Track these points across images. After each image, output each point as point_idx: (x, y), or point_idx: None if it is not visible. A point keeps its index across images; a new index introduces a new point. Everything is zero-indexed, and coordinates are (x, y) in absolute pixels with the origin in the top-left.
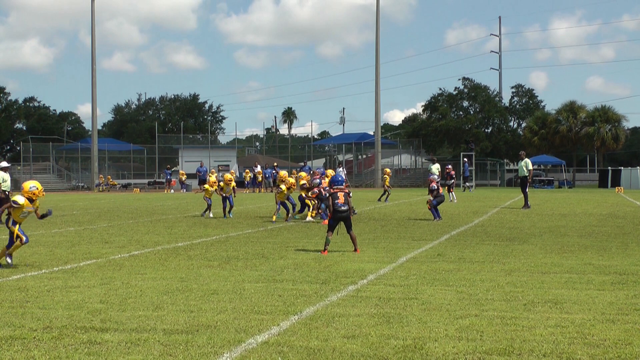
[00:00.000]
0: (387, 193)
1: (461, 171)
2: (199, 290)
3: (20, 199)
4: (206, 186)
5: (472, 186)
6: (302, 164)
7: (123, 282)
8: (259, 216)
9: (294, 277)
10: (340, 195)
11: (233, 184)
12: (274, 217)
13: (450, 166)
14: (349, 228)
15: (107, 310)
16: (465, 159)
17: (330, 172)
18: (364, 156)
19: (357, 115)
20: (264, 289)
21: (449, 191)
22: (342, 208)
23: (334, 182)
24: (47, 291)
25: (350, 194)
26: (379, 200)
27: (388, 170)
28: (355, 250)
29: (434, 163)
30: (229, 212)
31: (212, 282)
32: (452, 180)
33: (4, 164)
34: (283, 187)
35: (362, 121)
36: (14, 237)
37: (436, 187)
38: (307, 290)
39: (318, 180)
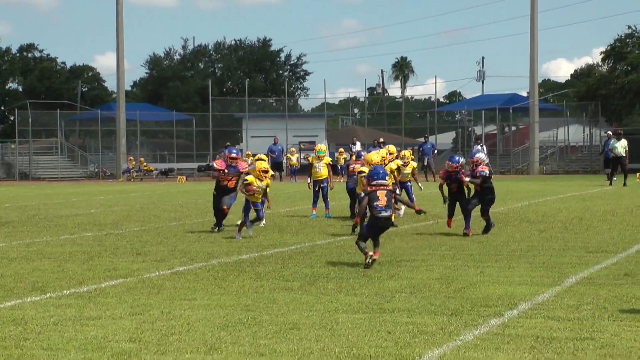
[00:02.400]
0: None
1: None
2: (272, 323)
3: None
4: (249, 178)
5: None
6: (423, 139)
7: (163, 311)
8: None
9: (409, 305)
10: (381, 194)
11: (268, 180)
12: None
13: None
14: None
15: (140, 352)
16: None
17: (371, 156)
18: (514, 128)
19: (503, 69)
20: (366, 323)
21: None
22: (383, 214)
23: (373, 175)
24: (54, 324)
25: (398, 192)
26: None
27: None
28: (373, 254)
29: (619, 139)
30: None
31: (290, 312)
32: None
33: None
34: (249, 178)
35: (510, 77)
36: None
37: (487, 174)
38: (430, 325)
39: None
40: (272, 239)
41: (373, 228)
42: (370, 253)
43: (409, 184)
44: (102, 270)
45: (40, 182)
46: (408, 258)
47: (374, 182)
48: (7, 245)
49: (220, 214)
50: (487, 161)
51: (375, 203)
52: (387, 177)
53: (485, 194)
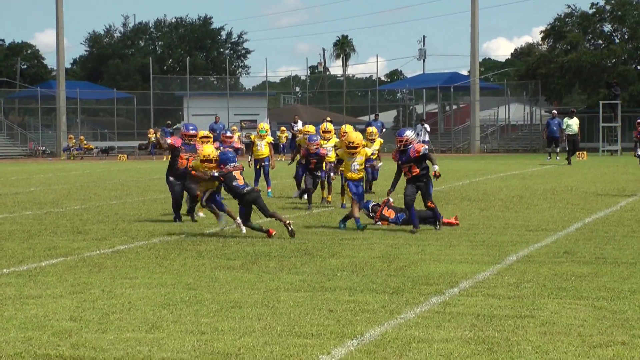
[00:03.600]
0: None
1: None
2: (214, 302)
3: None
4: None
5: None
6: (373, 117)
7: (104, 290)
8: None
9: (351, 283)
10: (237, 174)
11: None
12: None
13: None
14: (264, 211)
15: (81, 331)
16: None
17: (309, 128)
18: (455, 107)
19: (444, 48)
20: (307, 301)
21: None
22: (246, 189)
23: (225, 161)
24: None
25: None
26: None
27: None
28: (289, 231)
29: (572, 117)
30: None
31: (232, 291)
32: None
33: None
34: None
35: (451, 55)
36: None
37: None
38: (371, 303)
39: (316, 138)
40: (213, 218)
41: (245, 205)
42: (272, 231)
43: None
44: (42, 249)
45: None
46: (349, 237)
47: (228, 167)
48: None
49: (190, 200)
50: (417, 140)
51: (234, 184)
52: (236, 159)
53: (421, 178)
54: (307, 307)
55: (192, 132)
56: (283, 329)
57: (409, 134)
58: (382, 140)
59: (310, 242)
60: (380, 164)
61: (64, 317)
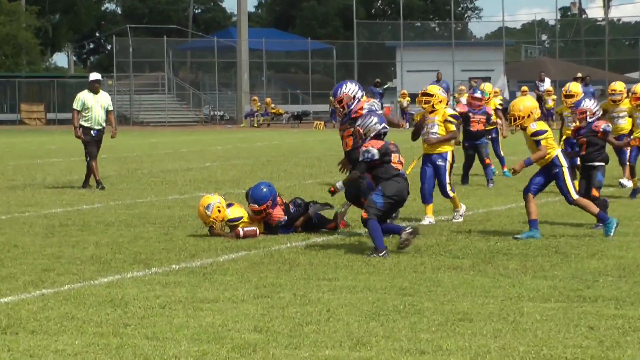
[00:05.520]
0: None
1: None
2: (437, 312)
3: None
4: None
5: None
6: None
7: (296, 293)
8: None
9: (618, 293)
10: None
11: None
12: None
13: None
14: None
15: (268, 345)
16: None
17: (487, 87)
18: None
19: None
20: (559, 315)
21: None
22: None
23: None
24: (161, 307)
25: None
26: None
27: None
28: None
29: None
30: None
31: (460, 299)
32: None
33: (94, 75)
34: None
35: None
36: None
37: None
38: None
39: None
40: (435, 204)
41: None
42: None
43: None
44: (220, 240)
45: (143, 128)
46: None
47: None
48: (104, 207)
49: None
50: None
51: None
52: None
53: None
54: (559, 323)
55: (478, 94)
56: (527, 350)
57: (587, 104)
58: None
59: (563, 237)
60: None
61: (246, 327)
